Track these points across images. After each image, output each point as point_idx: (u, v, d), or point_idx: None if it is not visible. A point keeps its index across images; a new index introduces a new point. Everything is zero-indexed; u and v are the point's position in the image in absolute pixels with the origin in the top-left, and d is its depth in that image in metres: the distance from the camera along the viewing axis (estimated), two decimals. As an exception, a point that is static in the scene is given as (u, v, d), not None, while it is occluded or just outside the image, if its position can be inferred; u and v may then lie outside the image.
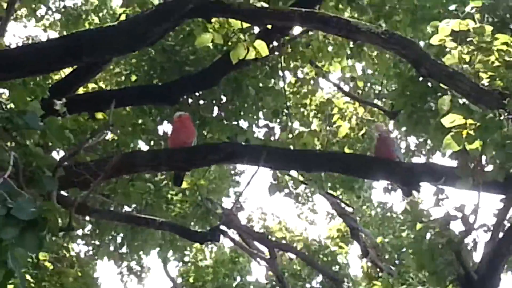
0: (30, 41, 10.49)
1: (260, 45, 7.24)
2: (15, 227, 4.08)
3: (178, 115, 8.18)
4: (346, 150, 11.96)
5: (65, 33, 12.07)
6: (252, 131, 10.07)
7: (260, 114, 10.33)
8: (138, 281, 13.91)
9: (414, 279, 12.96)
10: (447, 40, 6.19)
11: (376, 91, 13.09)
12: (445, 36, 6.21)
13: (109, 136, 8.94)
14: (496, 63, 6.01)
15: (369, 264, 15.65)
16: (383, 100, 12.82)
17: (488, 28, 6.19)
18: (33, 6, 12.67)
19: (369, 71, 12.00)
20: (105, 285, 19.39)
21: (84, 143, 5.95)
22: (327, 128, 12.18)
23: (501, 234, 6.72)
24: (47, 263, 10.16)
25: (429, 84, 7.59)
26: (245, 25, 7.27)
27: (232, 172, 12.91)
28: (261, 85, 10.10)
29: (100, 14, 12.13)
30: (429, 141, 10.54)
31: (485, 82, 6.03)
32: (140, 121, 9.35)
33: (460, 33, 6.15)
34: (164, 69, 9.81)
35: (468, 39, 6.16)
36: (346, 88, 13.01)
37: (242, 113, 9.93)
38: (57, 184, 5.02)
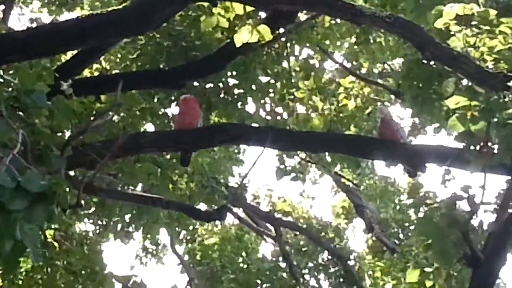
0: (34, 24, 10.47)
1: (264, 29, 7.25)
2: (24, 199, 4.13)
3: (183, 97, 8.24)
4: (352, 129, 11.97)
5: (68, 16, 12.10)
6: (259, 115, 10.10)
7: (267, 99, 10.36)
8: (156, 261, 14.05)
9: (419, 256, 13.01)
10: (451, 24, 6.18)
11: (380, 69, 13.08)
12: (450, 20, 6.20)
13: (116, 118, 8.96)
14: (501, 46, 5.99)
15: (374, 239, 15.75)
16: (388, 79, 12.81)
17: (493, 12, 6.17)
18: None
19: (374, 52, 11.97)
20: (113, 263, 19.64)
21: (92, 121, 5.97)
22: (331, 107, 12.17)
23: (506, 215, 6.72)
24: (55, 242, 10.23)
25: (434, 66, 7.59)
26: (249, 8, 7.27)
27: (236, 151, 12.87)
28: (268, 71, 10.13)
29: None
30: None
31: (490, 64, 6.01)
32: (147, 105, 9.38)
33: (464, 17, 6.14)
34: (171, 54, 9.83)
35: (472, 23, 6.14)
36: (351, 68, 13.01)
37: (249, 97, 9.95)
38: (66, 162, 5.06)
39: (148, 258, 14.46)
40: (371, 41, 10.97)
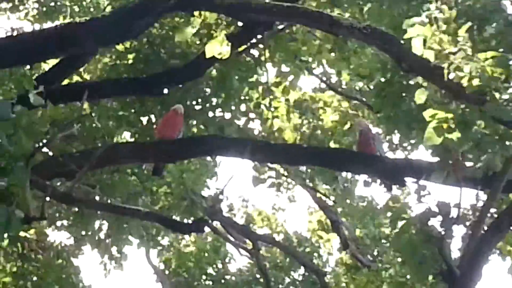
0: (15, 33, 10.46)
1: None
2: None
3: (172, 108, 8.25)
4: (331, 144, 11.94)
5: (47, 25, 12.08)
6: (235, 123, 10.09)
7: (243, 106, 10.35)
8: (118, 267, 13.92)
9: (397, 272, 12.98)
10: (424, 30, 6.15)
11: (360, 85, 13.08)
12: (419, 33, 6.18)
13: (96, 124, 8.94)
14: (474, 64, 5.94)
15: (348, 256, 15.70)
16: (367, 92, 12.79)
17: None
18: None
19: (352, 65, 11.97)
20: (88, 273, 19.45)
21: (56, 134, 5.94)
22: (309, 121, 12.16)
23: (482, 230, 6.73)
24: (31, 253, 10.17)
25: (404, 83, 7.64)
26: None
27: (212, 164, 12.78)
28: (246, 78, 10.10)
29: (84, 3, 12.09)
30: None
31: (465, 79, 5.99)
32: (122, 113, 9.36)
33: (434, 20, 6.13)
34: (149, 61, 9.81)
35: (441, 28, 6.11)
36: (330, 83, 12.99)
37: (226, 105, 9.93)
38: (30, 174, 4.98)
39: (112, 265, 14.25)
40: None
